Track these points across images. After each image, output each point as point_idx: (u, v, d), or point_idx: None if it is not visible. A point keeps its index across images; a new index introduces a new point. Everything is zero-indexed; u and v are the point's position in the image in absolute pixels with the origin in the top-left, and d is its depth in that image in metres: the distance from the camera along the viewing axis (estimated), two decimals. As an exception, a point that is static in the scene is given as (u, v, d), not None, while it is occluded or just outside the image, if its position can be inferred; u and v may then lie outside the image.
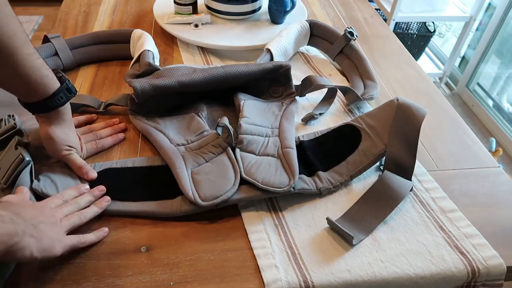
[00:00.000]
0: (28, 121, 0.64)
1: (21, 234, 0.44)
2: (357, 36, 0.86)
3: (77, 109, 0.73)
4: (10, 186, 0.55)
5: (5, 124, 0.62)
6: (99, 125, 0.69)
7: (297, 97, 0.77)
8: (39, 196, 0.56)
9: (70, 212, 0.54)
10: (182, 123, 0.69)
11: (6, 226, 0.43)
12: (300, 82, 0.78)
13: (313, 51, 0.95)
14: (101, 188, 0.58)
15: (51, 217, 0.51)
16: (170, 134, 0.66)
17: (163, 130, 0.67)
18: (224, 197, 0.56)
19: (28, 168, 0.56)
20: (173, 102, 0.73)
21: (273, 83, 0.77)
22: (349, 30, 0.86)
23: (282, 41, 0.85)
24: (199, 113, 0.70)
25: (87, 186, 0.58)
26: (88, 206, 0.56)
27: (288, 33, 0.87)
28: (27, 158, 0.56)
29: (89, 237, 0.53)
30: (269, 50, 0.82)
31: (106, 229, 0.55)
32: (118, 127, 0.70)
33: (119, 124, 0.71)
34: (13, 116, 0.63)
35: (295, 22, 0.90)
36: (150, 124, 0.68)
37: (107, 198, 0.57)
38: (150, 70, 0.74)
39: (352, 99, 0.76)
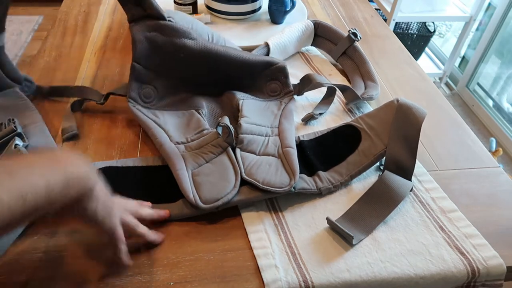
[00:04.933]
0: (28, 126, 0.64)
1: (94, 182, 0.44)
2: (360, 38, 0.86)
3: (81, 106, 0.73)
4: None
5: (5, 128, 0.62)
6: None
7: (296, 96, 0.77)
8: None
9: (131, 211, 0.52)
10: (181, 119, 0.69)
11: (85, 169, 0.44)
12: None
13: (314, 51, 0.95)
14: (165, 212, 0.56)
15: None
16: (169, 130, 0.66)
17: (162, 125, 0.67)
18: (225, 199, 0.56)
19: None
20: (172, 81, 0.72)
21: (270, 81, 0.77)
22: (353, 31, 0.86)
23: (282, 37, 0.85)
24: (199, 111, 0.70)
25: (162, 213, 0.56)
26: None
27: (291, 31, 0.87)
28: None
29: (145, 228, 0.52)
30: (267, 44, 0.82)
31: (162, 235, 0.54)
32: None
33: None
34: (13, 120, 0.63)
35: (299, 21, 0.90)
36: (149, 117, 0.68)
37: (162, 236, 0.54)
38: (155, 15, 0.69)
39: (351, 98, 0.76)
